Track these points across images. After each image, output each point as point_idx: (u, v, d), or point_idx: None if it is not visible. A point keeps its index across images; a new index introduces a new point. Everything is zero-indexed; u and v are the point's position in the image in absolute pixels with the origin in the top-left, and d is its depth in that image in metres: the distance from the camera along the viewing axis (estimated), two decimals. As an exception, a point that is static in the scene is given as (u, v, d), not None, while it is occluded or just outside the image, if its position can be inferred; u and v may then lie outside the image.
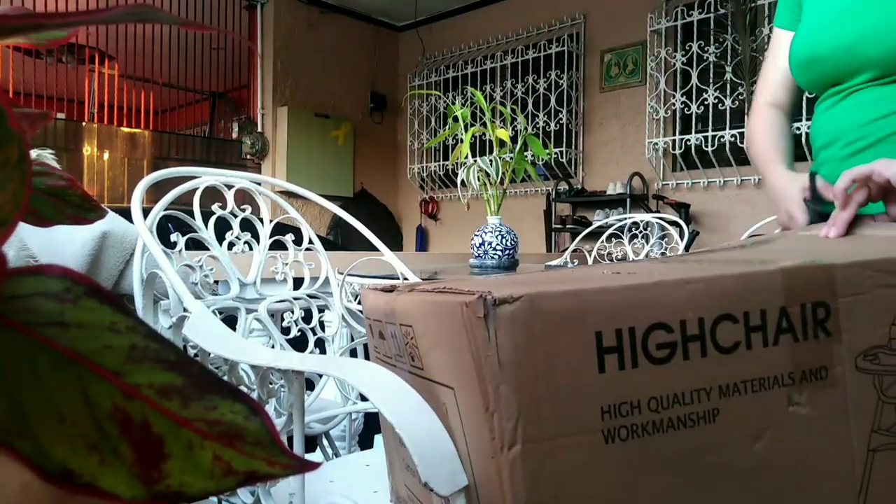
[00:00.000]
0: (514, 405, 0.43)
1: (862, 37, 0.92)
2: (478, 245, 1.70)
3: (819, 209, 0.91)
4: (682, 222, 2.64)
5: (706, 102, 4.16)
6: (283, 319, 1.19)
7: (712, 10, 4.09)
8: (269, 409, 0.99)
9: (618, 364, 0.46)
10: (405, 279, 1.23)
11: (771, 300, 0.51)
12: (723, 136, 4.09)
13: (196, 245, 1.08)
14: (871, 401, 0.54)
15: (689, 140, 4.26)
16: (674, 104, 4.36)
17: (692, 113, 4.23)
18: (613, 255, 2.59)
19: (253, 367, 0.89)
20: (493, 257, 1.68)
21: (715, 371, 0.49)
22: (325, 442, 1.22)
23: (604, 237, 2.51)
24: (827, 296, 0.53)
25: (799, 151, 1.46)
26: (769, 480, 0.50)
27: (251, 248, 1.16)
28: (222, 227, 1.13)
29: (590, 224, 4.06)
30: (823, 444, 0.52)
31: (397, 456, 0.70)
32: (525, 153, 1.82)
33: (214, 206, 1.12)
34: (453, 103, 4.94)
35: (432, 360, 0.55)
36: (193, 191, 1.10)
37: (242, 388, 0.92)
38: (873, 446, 0.53)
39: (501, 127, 1.78)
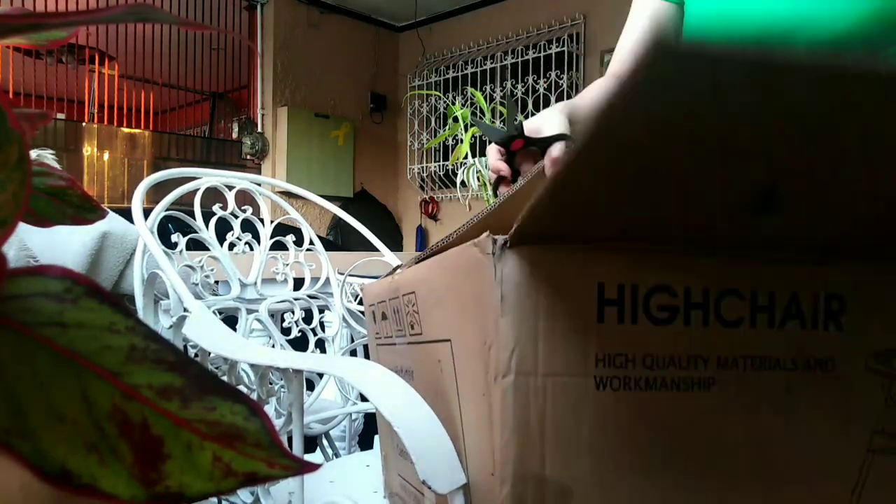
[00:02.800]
0: (512, 337, 0.45)
1: (804, 18, 0.75)
2: (478, 245, 1.70)
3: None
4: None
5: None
6: (283, 320, 1.19)
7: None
8: (269, 409, 0.99)
9: (617, 317, 0.47)
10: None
11: (782, 285, 0.51)
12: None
13: (197, 245, 1.08)
14: (878, 402, 0.53)
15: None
16: (674, 104, 4.35)
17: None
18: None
19: (252, 366, 0.89)
20: (493, 257, 1.68)
21: (715, 341, 0.49)
22: (325, 442, 1.22)
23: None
24: (845, 289, 0.52)
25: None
26: (759, 459, 0.50)
27: (252, 249, 1.16)
28: (223, 228, 1.13)
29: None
30: (820, 435, 0.52)
31: (392, 445, 0.71)
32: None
33: (215, 207, 1.13)
34: (453, 103, 4.94)
35: (432, 319, 0.56)
36: (194, 191, 1.10)
37: (242, 387, 0.92)
38: (874, 447, 0.53)
39: (502, 127, 1.78)
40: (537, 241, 0.45)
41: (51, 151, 1.28)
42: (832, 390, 0.52)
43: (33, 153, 1.05)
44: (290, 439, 0.78)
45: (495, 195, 0.74)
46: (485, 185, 1.68)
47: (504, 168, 0.75)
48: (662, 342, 0.48)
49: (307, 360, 0.77)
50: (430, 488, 0.49)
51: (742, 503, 0.50)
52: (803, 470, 0.51)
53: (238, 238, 1.14)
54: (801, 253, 0.52)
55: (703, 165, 0.42)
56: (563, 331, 0.46)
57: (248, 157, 4.90)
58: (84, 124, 4.66)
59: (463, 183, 1.73)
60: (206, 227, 1.09)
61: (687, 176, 0.43)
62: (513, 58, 5.07)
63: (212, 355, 0.85)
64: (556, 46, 4.86)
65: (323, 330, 1.21)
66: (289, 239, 1.21)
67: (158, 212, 1.02)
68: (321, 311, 1.22)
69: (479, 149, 1.83)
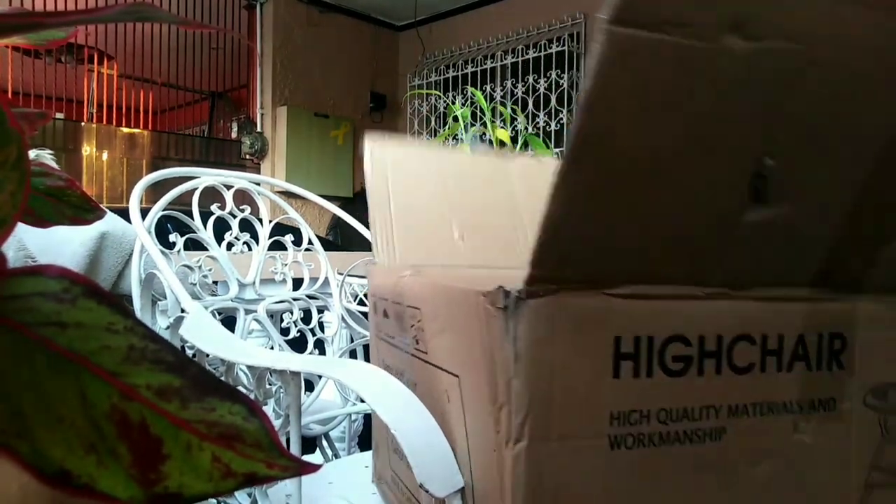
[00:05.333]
0: (526, 400, 0.42)
1: None
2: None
3: None
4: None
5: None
6: (282, 320, 1.19)
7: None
8: (268, 410, 0.99)
9: (633, 371, 0.45)
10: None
11: (790, 326, 0.50)
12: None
13: (195, 245, 1.08)
14: (874, 437, 0.53)
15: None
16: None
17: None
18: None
19: (250, 367, 0.89)
20: (492, 258, 1.68)
21: (726, 390, 0.48)
22: (324, 443, 1.22)
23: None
24: (845, 327, 0.52)
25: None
26: (765, 501, 0.50)
27: (250, 249, 1.16)
28: (221, 228, 1.13)
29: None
30: (823, 476, 0.52)
31: (385, 440, 0.70)
32: (526, 153, 1.82)
33: (213, 207, 1.12)
34: (453, 103, 4.94)
35: (438, 345, 0.54)
36: (192, 191, 1.10)
37: (240, 388, 0.92)
38: (871, 482, 0.53)
39: (502, 127, 1.78)
40: (552, 290, 0.43)
41: (49, 151, 1.27)
42: (834, 429, 0.52)
43: (32, 153, 1.05)
44: (287, 440, 0.78)
45: None
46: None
47: None
48: (676, 394, 0.46)
49: (305, 363, 0.77)
50: (427, 492, 0.49)
51: None
52: None
53: (236, 238, 1.14)
54: (802, 289, 0.51)
55: (690, 150, 0.42)
56: (578, 389, 0.43)
57: (248, 156, 4.90)
58: (83, 124, 4.65)
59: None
60: (205, 226, 1.09)
61: (675, 169, 0.43)
62: (513, 57, 5.07)
63: (210, 356, 0.85)
64: (557, 46, 4.86)
65: (322, 330, 1.21)
66: (287, 239, 1.21)
67: (156, 211, 1.02)
68: (320, 311, 1.22)
69: (478, 149, 1.83)
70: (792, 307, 0.51)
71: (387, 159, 0.80)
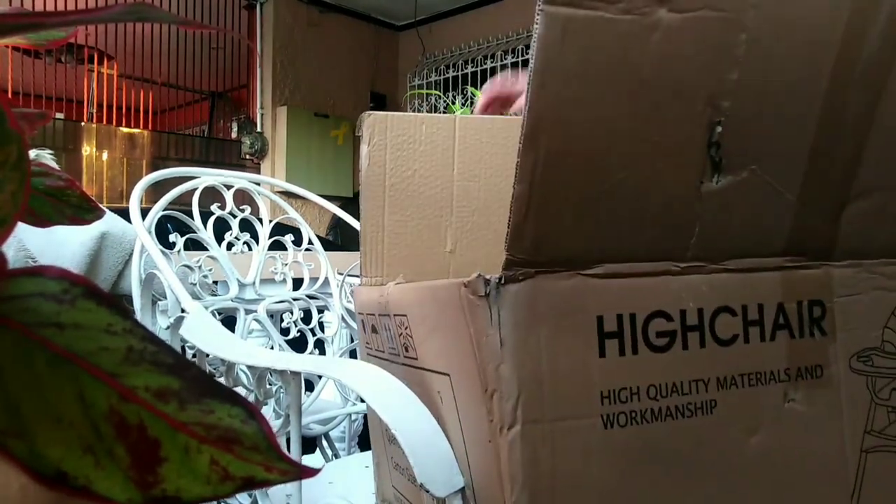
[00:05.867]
0: (515, 385, 0.43)
1: None
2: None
3: None
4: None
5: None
6: (282, 320, 1.19)
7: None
8: (267, 410, 0.99)
9: (618, 350, 0.46)
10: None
11: (768, 296, 0.51)
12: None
13: (195, 245, 1.08)
14: (865, 402, 0.54)
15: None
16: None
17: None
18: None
19: (250, 367, 0.89)
20: (492, 258, 1.68)
21: (713, 362, 0.49)
22: (324, 443, 1.22)
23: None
24: (824, 294, 0.53)
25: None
26: (763, 476, 0.50)
27: (250, 249, 1.16)
28: (221, 228, 1.12)
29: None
30: (818, 443, 0.52)
31: (385, 455, 0.70)
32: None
33: (213, 207, 1.12)
34: (453, 103, 4.94)
35: (427, 348, 0.54)
36: (192, 191, 1.10)
37: (240, 389, 0.92)
38: (865, 447, 0.53)
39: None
40: (529, 274, 0.43)
41: (49, 151, 1.27)
42: (824, 396, 0.52)
43: (32, 153, 1.04)
44: (288, 441, 0.78)
45: None
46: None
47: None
48: (664, 370, 0.47)
49: (305, 362, 0.77)
50: (428, 492, 0.49)
51: None
52: (803, 478, 0.51)
53: (236, 238, 1.14)
54: (776, 258, 0.52)
55: (639, 123, 0.44)
56: (565, 370, 0.44)
57: (248, 156, 4.90)
58: (83, 124, 4.65)
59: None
60: (205, 226, 1.09)
61: (628, 143, 0.44)
62: (513, 57, 5.06)
63: (210, 356, 0.85)
64: (556, 47, 4.86)
65: (322, 330, 1.21)
66: (287, 239, 1.21)
67: (156, 211, 1.02)
68: (320, 311, 1.22)
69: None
70: (768, 277, 0.51)
71: (386, 144, 0.78)
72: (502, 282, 0.43)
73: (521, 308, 0.43)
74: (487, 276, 0.43)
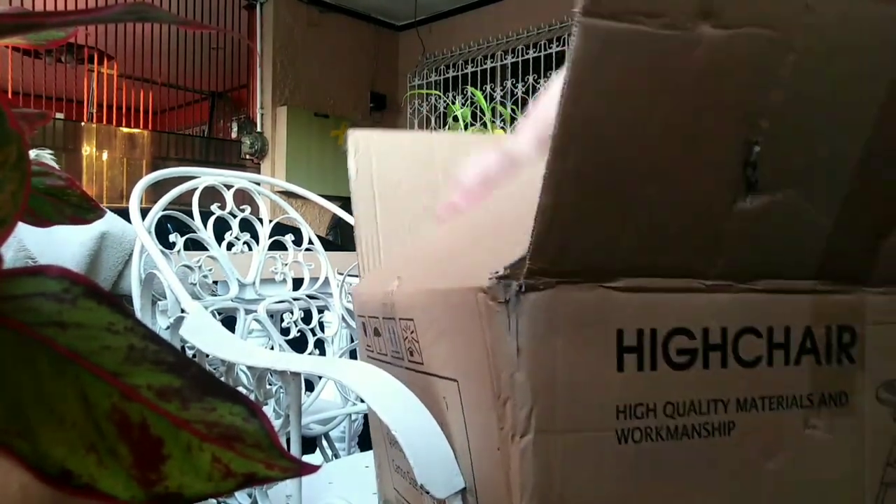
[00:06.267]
0: (529, 393, 0.42)
1: None
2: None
3: None
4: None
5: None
6: (282, 320, 1.19)
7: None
8: (268, 410, 0.99)
9: (637, 364, 0.45)
10: (404, 279, 1.22)
11: (796, 319, 0.50)
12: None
13: (195, 245, 1.08)
14: (890, 433, 0.53)
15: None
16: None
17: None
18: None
19: (250, 368, 0.89)
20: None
21: (734, 383, 0.48)
22: (324, 443, 1.22)
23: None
24: (855, 320, 0.52)
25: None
26: (778, 501, 0.50)
27: (250, 249, 1.16)
28: (221, 228, 1.13)
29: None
30: (837, 472, 0.51)
31: (386, 457, 0.70)
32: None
33: (213, 207, 1.12)
34: (453, 103, 4.94)
35: (434, 353, 0.54)
36: (192, 191, 1.10)
37: (240, 389, 0.92)
38: (887, 480, 0.53)
39: (501, 127, 1.78)
40: (550, 284, 0.43)
41: (49, 151, 1.27)
42: (846, 425, 0.51)
43: (32, 153, 1.04)
44: (288, 441, 0.78)
45: None
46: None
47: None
48: (683, 387, 0.46)
49: (305, 363, 0.77)
50: (428, 493, 0.49)
51: None
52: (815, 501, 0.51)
53: (236, 238, 1.14)
54: (807, 281, 0.51)
55: (674, 139, 0.43)
56: (582, 382, 0.43)
57: (248, 156, 4.90)
58: (83, 124, 4.66)
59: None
60: (205, 226, 1.09)
61: (661, 159, 0.43)
62: (513, 57, 5.07)
63: (210, 356, 0.85)
64: (557, 45, 4.86)
65: (322, 330, 1.21)
66: (288, 239, 1.21)
67: (156, 211, 1.02)
68: (320, 311, 1.22)
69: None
70: (797, 299, 0.50)
71: (371, 155, 0.80)
72: (523, 290, 0.42)
73: (540, 317, 0.43)
74: (509, 282, 0.42)
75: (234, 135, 4.95)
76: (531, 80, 4.96)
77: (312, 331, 1.18)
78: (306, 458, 1.24)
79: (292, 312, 1.15)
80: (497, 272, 0.43)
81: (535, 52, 4.94)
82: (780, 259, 0.49)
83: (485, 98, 2.36)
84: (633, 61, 0.40)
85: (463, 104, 4.58)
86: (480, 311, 0.45)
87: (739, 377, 0.48)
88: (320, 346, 1.20)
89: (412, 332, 0.57)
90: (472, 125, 1.80)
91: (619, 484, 0.45)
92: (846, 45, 0.45)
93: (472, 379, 0.48)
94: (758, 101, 0.43)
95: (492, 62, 5.20)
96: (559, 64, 4.85)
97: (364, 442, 1.38)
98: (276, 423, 0.81)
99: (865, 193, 0.49)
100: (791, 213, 0.48)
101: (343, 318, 1.21)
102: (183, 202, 1.06)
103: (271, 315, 1.15)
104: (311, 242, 1.23)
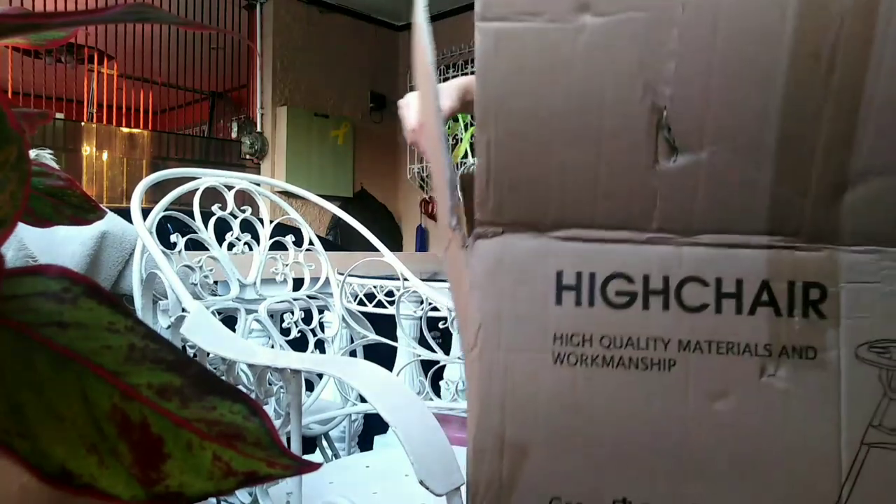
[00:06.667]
0: (479, 318, 0.52)
1: None
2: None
3: None
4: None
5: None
6: (282, 320, 1.19)
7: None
8: (268, 409, 0.99)
9: (575, 301, 0.52)
10: (405, 279, 1.23)
11: (749, 272, 0.53)
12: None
13: (196, 246, 1.08)
14: (875, 394, 0.53)
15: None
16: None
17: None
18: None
19: (251, 366, 0.89)
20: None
21: (675, 325, 0.52)
22: (324, 443, 1.22)
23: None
24: (825, 278, 0.53)
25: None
26: (730, 442, 0.51)
27: (251, 249, 1.16)
28: (222, 228, 1.13)
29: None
30: (803, 424, 0.52)
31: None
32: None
33: (214, 207, 1.12)
34: (453, 103, 4.93)
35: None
36: (193, 191, 1.10)
37: (240, 388, 0.92)
38: (869, 441, 0.53)
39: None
40: (497, 232, 0.53)
41: (49, 151, 1.27)
42: (814, 378, 0.52)
43: (32, 153, 1.05)
44: (288, 439, 0.78)
45: None
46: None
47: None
48: (619, 324, 0.52)
49: (305, 361, 0.77)
50: (428, 489, 0.49)
51: (713, 489, 0.52)
52: (780, 453, 0.52)
53: (237, 238, 1.14)
54: (760, 236, 0.53)
55: (583, 109, 0.51)
56: (523, 311, 0.52)
57: (248, 156, 4.90)
58: (83, 124, 4.66)
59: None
60: (206, 227, 1.09)
61: (575, 126, 0.51)
62: (512, 58, 5.06)
63: (210, 355, 0.85)
64: (556, 46, 4.86)
65: (322, 330, 1.21)
66: (288, 239, 1.21)
67: (157, 212, 1.02)
68: (321, 311, 1.22)
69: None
70: (749, 254, 0.53)
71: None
72: (474, 238, 0.53)
73: (490, 260, 0.53)
74: (468, 232, 0.53)
75: (234, 135, 4.95)
76: (531, 79, 4.95)
77: (313, 331, 1.18)
78: (306, 458, 1.24)
79: (293, 312, 1.15)
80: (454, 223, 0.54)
81: (535, 52, 4.94)
82: (723, 215, 0.53)
83: (485, 98, 2.35)
84: (524, 51, 0.50)
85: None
86: (454, 255, 0.55)
87: (682, 320, 0.52)
88: (321, 346, 1.20)
89: None
90: (471, 125, 1.80)
91: (552, 399, 0.51)
92: (733, 10, 0.49)
93: (457, 310, 0.58)
94: (653, 73, 0.49)
95: (492, 62, 5.19)
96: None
97: (364, 442, 1.38)
98: (277, 423, 0.81)
99: (800, 149, 0.51)
100: (720, 170, 0.51)
101: (343, 319, 1.21)
102: (184, 203, 1.06)
103: (272, 315, 1.15)
104: (311, 243, 1.23)
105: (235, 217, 1.14)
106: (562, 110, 0.50)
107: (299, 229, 1.24)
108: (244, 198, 1.19)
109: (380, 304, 1.29)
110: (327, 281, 1.23)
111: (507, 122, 0.51)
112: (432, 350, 1.19)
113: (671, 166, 0.51)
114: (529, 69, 0.50)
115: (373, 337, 1.22)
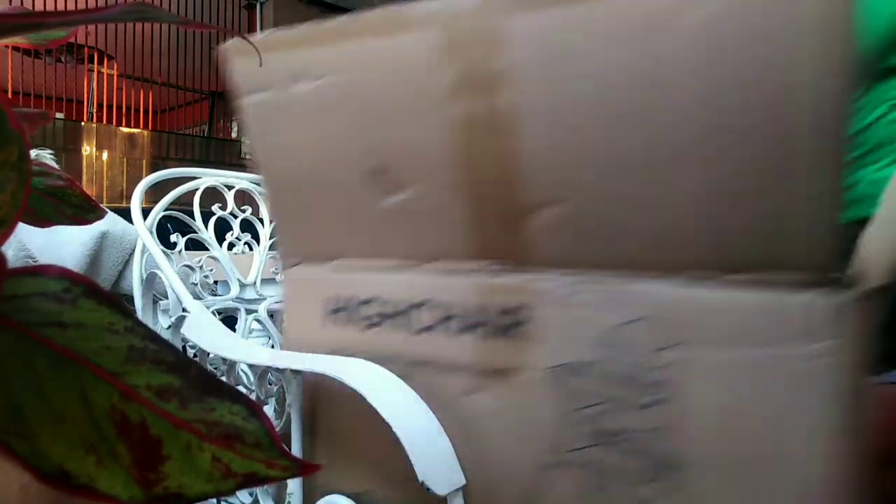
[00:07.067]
0: (286, 324, 0.74)
1: None
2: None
3: None
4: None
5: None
6: (283, 320, 1.19)
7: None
8: (268, 409, 0.99)
9: (342, 321, 0.65)
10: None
11: (461, 297, 0.58)
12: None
13: (196, 246, 1.08)
14: (556, 415, 0.53)
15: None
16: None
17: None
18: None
19: (251, 366, 0.89)
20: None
21: (407, 345, 0.60)
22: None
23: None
24: (526, 301, 0.55)
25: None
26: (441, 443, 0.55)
27: (251, 249, 1.16)
28: (222, 228, 1.13)
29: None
30: (505, 444, 0.54)
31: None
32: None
33: (214, 207, 1.12)
34: (453, 103, 4.93)
35: None
36: (193, 191, 1.10)
37: (241, 388, 0.92)
38: (546, 462, 0.53)
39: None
40: (295, 264, 0.71)
41: (49, 151, 1.27)
42: (516, 400, 0.54)
43: (32, 153, 1.04)
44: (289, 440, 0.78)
45: None
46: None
47: None
48: (370, 342, 0.63)
49: (305, 361, 0.77)
50: (429, 490, 0.49)
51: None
52: (480, 478, 0.53)
53: (237, 238, 1.14)
54: (473, 262, 0.58)
55: (322, 165, 0.64)
56: (303, 326, 0.70)
57: (248, 156, 4.90)
58: (83, 124, 4.66)
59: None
60: (206, 227, 1.09)
61: (321, 178, 0.64)
62: (512, 57, 5.06)
63: (211, 356, 0.85)
64: (556, 46, 4.85)
65: (322, 330, 1.21)
66: (288, 239, 1.21)
67: (157, 212, 1.02)
68: (320, 310, 1.22)
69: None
70: (460, 279, 0.58)
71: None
72: (284, 269, 0.71)
73: (288, 285, 0.72)
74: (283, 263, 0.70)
75: (234, 135, 4.95)
76: (531, 79, 4.95)
77: (313, 331, 1.18)
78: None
79: (292, 312, 1.15)
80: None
81: (535, 52, 4.93)
82: (441, 245, 0.60)
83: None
84: (271, 118, 0.65)
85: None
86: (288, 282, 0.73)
87: (412, 340, 0.60)
88: (320, 345, 1.20)
89: None
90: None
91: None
92: (390, 90, 0.60)
93: None
94: (371, 131, 0.59)
95: (492, 62, 5.19)
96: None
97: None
98: (277, 423, 0.81)
99: (475, 182, 0.56)
100: (426, 206, 0.59)
101: (343, 318, 1.21)
102: (184, 203, 1.06)
103: (272, 315, 1.15)
104: (311, 242, 1.23)
105: (236, 217, 1.14)
106: (305, 166, 0.64)
107: (299, 229, 1.24)
108: (244, 198, 1.19)
109: (380, 304, 1.29)
110: (327, 281, 1.23)
111: (276, 176, 0.68)
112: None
113: (389, 204, 0.60)
114: (282, 134, 0.64)
115: (373, 337, 1.22)
